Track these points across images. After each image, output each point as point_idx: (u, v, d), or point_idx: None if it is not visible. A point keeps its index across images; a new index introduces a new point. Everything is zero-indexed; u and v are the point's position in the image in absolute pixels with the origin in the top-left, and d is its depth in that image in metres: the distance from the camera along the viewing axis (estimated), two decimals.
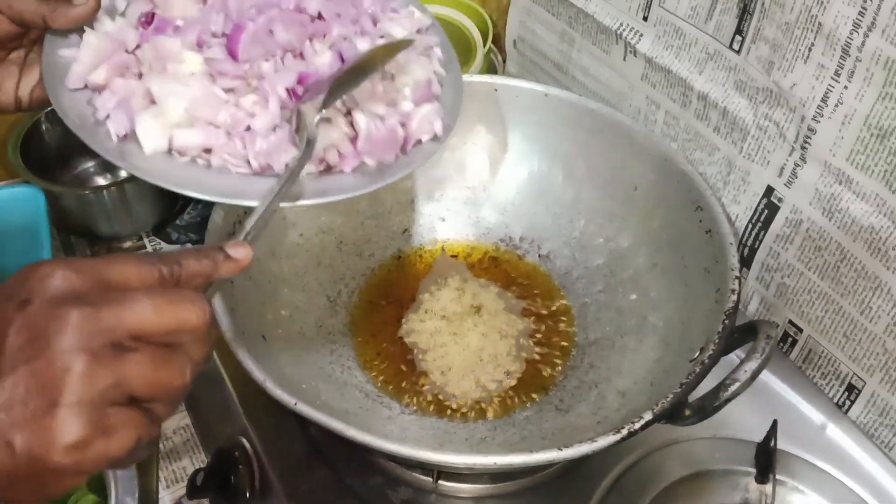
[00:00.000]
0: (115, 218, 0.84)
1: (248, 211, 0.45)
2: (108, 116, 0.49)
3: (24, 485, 0.35)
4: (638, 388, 0.61)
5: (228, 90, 0.50)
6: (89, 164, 0.94)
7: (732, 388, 0.51)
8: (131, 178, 0.84)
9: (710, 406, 0.52)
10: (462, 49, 0.87)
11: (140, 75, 0.51)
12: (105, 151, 0.48)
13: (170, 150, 0.49)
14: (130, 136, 0.49)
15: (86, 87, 0.51)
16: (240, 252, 0.42)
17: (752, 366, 0.52)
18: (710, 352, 0.54)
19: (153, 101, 0.49)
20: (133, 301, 0.36)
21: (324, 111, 0.48)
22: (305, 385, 0.59)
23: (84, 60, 0.50)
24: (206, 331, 0.38)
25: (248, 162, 0.49)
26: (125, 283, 0.37)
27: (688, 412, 0.53)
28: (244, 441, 0.65)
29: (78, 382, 0.34)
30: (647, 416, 0.51)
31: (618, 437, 0.50)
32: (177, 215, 0.87)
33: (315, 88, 0.50)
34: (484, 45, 0.90)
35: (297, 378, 0.59)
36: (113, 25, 0.52)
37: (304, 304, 0.67)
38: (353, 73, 0.50)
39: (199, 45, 0.51)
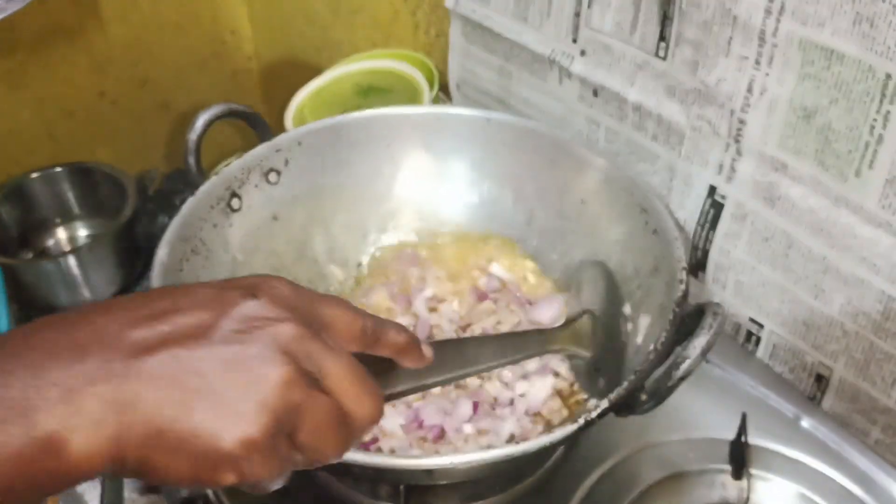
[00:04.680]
0: (75, 288, 0.84)
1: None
2: None
3: (180, 458, 0.34)
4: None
5: None
6: (49, 243, 0.95)
7: (684, 367, 0.51)
8: (88, 246, 0.85)
9: (664, 387, 0.51)
10: (411, 98, 0.89)
11: None
12: None
13: None
14: None
15: None
16: (428, 351, 0.43)
17: (700, 342, 0.51)
18: (663, 338, 0.54)
19: None
20: (340, 352, 0.37)
21: None
22: None
23: None
24: (367, 427, 0.38)
25: None
26: (332, 324, 0.38)
27: (644, 397, 0.52)
28: (208, 490, 0.63)
29: (276, 386, 0.34)
30: (604, 405, 0.50)
31: (575, 426, 0.49)
32: (137, 281, 0.87)
33: None
34: (431, 92, 0.92)
35: None
36: None
37: None
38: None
39: None
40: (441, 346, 0.45)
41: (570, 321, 0.56)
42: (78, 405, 0.32)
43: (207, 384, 0.34)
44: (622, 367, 0.60)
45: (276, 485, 0.37)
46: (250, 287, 0.38)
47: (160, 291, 0.38)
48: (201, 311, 0.36)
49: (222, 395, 0.34)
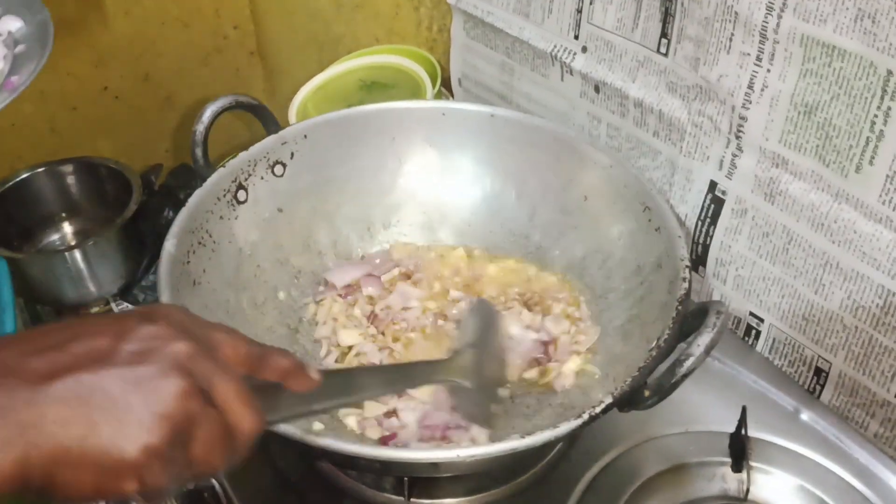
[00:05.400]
0: (81, 282, 0.85)
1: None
2: None
3: (85, 471, 0.36)
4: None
5: None
6: (54, 238, 0.95)
7: (687, 364, 0.51)
8: (94, 241, 0.86)
9: (667, 383, 0.52)
10: (414, 93, 0.90)
11: None
12: None
13: None
14: None
15: None
16: (315, 374, 0.45)
17: (704, 340, 0.52)
18: (665, 336, 0.54)
19: None
20: (228, 370, 0.40)
21: None
22: None
23: None
24: (247, 442, 0.41)
25: None
26: (221, 347, 0.41)
27: (647, 392, 0.53)
28: (212, 480, 0.64)
29: (174, 398, 0.37)
30: (608, 400, 0.51)
31: (579, 421, 0.50)
32: (142, 276, 0.87)
33: None
34: (433, 88, 0.93)
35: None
36: None
37: (264, 334, 0.67)
38: None
39: None
40: (329, 374, 0.47)
41: (455, 354, 0.59)
42: None
43: (110, 401, 0.36)
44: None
45: (170, 495, 0.40)
46: (146, 313, 0.41)
47: (58, 324, 0.40)
48: (100, 337, 0.38)
49: (125, 409, 0.36)
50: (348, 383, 0.50)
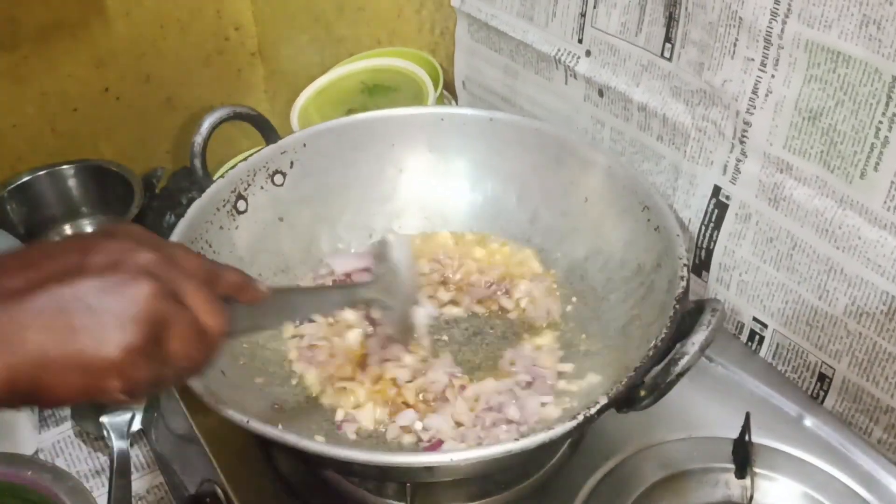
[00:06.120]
0: None
1: None
2: None
3: (70, 374, 0.39)
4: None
5: None
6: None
7: (682, 362, 0.51)
8: None
9: (662, 383, 0.52)
10: (416, 96, 0.90)
11: None
12: None
13: None
14: None
15: None
16: (263, 287, 0.50)
17: (699, 338, 0.52)
18: (662, 335, 0.54)
19: None
20: (189, 276, 0.43)
21: None
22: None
23: None
24: (218, 338, 0.44)
25: None
26: (181, 260, 0.44)
27: (643, 393, 0.53)
28: (215, 487, 0.64)
29: (147, 299, 0.40)
30: (603, 401, 0.51)
31: (574, 423, 0.50)
32: None
33: None
34: (436, 91, 0.92)
35: (256, 408, 0.60)
36: None
37: (266, 342, 0.67)
38: None
39: None
40: (274, 291, 0.51)
41: (377, 277, 0.66)
42: None
43: (87, 307, 0.39)
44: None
45: (145, 398, 0.44)
46: (108, 231, 0.44)
47: (27, 247, 0.43)
48: (69, 253, 0.41)
49: (101, 313, 0.39)
50: (290, 300, 0.57)
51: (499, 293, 0.71)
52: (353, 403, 0.63)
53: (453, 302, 0.72)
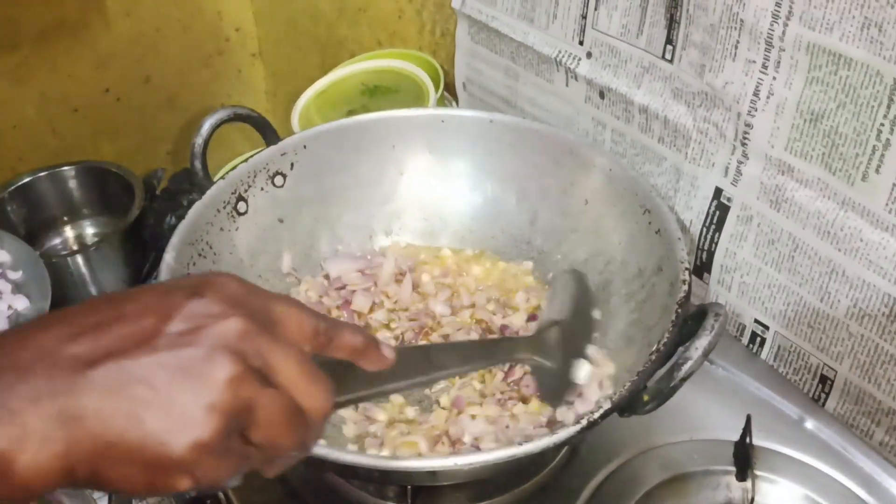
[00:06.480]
0: (83, 287, 0.84)
1: None
2: None
3: (132, 468, 0.34)
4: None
5: None
6: (56, 242, 0.95)
7: (686, 367, 0.51)
8: (96, 245, 0.86)
9: (666, 388, 0.52)
10: (416, 98, 0.90)
11: None
12: None
13: None
14: None
15: None
16: (389, 352, 0.42)
17: (702, 343, 0.52)
18: (665, 339, 0.54)
19: None
20: (288, 346, 0.37)
21: None
22: None
23: None
24: (320, 419, 0.38)
25: None
26: (283, 321, 0.38)
27: (646, 397, 0.53)
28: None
29: (224, 386, 0.34)
30: (607, 406, 0.51)
31: (578, 427, 0.50)
32: (144, 280, 0.87)
33: None
34: (436, 92, 0.92)
35: None
36: None
37: None
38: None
39: None
40: (403, 351, 0.44)
41: (539, 331, 0.56)
42: (23, 424, 0.32)
43: (154, 392, 0.33)
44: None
45: (234, 482, 0.37)
46: (197, 286, 0.37)
47: (102, 300, 0.37)
48: (145, 317, 0.35)
49: (169, 401, 0.33)
50: (423, 360, 0.47)
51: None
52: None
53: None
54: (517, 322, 0.70)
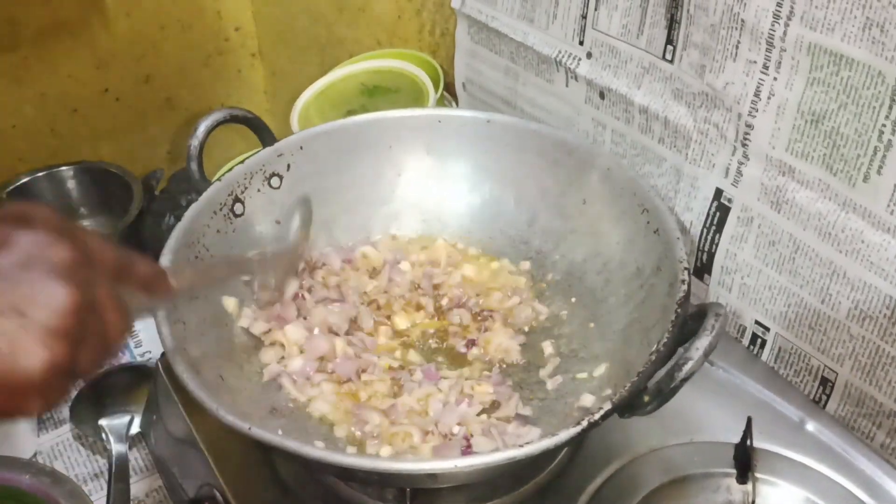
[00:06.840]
0: None
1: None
2: None
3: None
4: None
5: None
6: None
7: (686, 368, 0.51)
8: None
9: (666, 388, 0.51)
10: (416, 98, 0.89)
11: None
12: None
13: None
14: None
15: None
16: (173, 282, 0.48)
17: (703, 343, 0.51)
18: (665, 339, 0.54)
19: None
20: (106, 280, 0.41)
21: None
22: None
23: None
24: (118, 348, 0.42)
25: None
26: (96, 252, 0.41)
27: (646, 398, 0.52)
28: (214, 491, 0.64)
29: (69, 311, 0.37)
30: (607, 406, 0.50)
31: (578, 429, 0.49)
32: None
33: None
34: (436, 92, 0.92)
35: (255, 412, 0.59)
36: None
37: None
38: None
39: None
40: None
41: (262, 252, 0.67)
42: None
43: (3, 320, 0.35)
44: None
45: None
46: (20, 217, 0.39)
47: None
48: None
49: (20, 327, 0.35)
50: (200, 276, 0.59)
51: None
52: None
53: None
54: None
